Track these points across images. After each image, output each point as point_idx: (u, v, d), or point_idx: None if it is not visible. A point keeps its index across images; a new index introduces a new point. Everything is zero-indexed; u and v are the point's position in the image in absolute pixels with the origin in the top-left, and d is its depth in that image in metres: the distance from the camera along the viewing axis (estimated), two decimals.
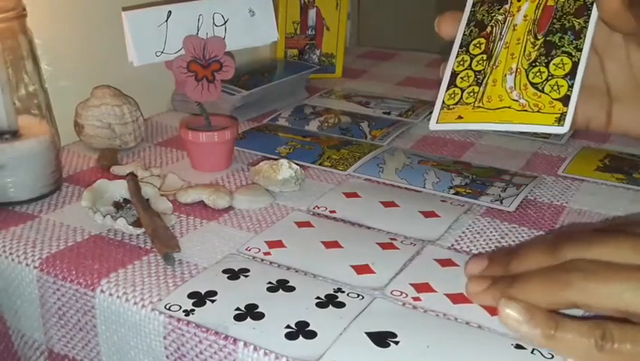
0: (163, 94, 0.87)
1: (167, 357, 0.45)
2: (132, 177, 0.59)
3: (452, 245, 0.54)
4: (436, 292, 0.47)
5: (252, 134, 0.77)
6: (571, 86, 0.40)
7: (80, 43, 0.76)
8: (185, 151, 0.70)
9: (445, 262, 0.51)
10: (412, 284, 0.48)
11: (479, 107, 0.42)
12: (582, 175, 0.67)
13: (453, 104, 0.44)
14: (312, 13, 1.03)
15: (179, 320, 0.44)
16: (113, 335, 0.48)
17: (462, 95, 0.44)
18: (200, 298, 0.46)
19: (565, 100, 0.39)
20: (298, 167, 0.63)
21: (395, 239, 0.54)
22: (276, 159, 0.64)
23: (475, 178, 0.65)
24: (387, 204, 0.60)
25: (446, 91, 0.44)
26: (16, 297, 0.52)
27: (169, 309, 0.45)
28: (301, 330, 0.42)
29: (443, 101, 0.44)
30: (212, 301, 0.45)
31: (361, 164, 0.69)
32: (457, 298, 0.46)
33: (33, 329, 0.53)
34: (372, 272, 0.49)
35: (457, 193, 0.62)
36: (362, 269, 0.49)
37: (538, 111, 0.40)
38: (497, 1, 0.44)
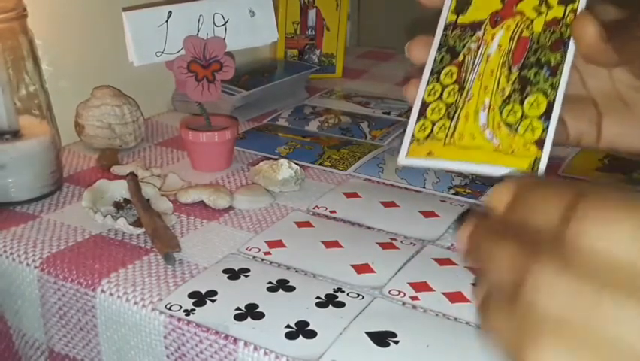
0: (163, 94, 0.87)
1: (167, 357, 0.45)
2: (132, 177, 0.59)
3: (452, 245, 0.54)
4: (433, 291, 0.47)
5: (252, 134, 0.77)
6: (545, 129, 0.38)
7: (80, 43, 0.76)
8: (186, 151, 0.71)
9: (444, 261, 0.51)
10: (410, 283, 0.48)
11: (450, 143, 0.40)
12: (582, 175, 0.67)
13: (423, 138, 0.42)
14: (312, 13, 1.03)
15: (179, 319, 0.44)
16: (114, 335, 0.48)
17: (432, 129, 0.41)
18: (200, 298, 0.46)
19: (539, 143, 0.38)
20: (298, 167, 0.63)
21: (395, 239, 0.54)
22: (276, 159, 0.64)
23: (475, 178, 0.65)
24: (387, 204, 0.60)
25: (416, 122, 0.42)
26: (17, 297, 0.52)
27: (169, 309, 0.45)
28: (301, 330, 0.42)
29: (413, 134, 0.42)
30: (213, 300, 0.45)
31: (361, 164, 0.69)
32: (454, 297, 0.46)
33: (34, 329, 0.53)
34: (373, 271, 0.49)
35: (457, 193, 0.62)
36: (362, 269, 0.50)
37: (511, 153, 0.38)
38: (470, 26, 0.42)
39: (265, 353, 0.41)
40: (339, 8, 1.03)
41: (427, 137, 0.41)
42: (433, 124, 0.42)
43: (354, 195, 0.62)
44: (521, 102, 0.39)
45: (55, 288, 0.50)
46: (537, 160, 0.38)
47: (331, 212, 0.59)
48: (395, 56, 1.17)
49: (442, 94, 0.42)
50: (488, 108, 0.40)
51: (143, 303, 0.46)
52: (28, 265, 0.51)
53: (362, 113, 0.85)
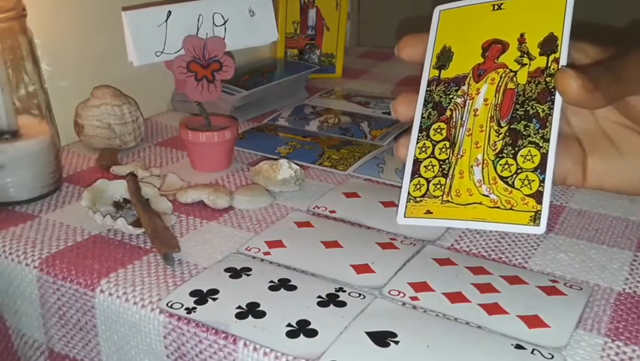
0: (163, 94, 0.87)
1: (167, 356, 0.45)
2: (132, 177, 0.59)
3: (452, 245, 0.54)
4: (433, 291, 0.47)
5: (252, 134, 0.77)
6: (542, 181, 0.38)
7: (80, 43, 0.76)
8: (185, 151, 0.71)
9: (444, 261, 0.51)
10: (410, 283, 0.48)
11: (448, 201, 0.41)
12: None
13: (419, 197, 0.42)
14: (312, 13, 1.03)
15: (179, 318, 0.44)
16: (113, 335, 0.48)
17: (428, 187, 0.42)
18: (202, 296, 0.46)
19: (538, 196, 0.38)
20: (298, 167, 0.63)
21: (395, 239, 0.54)
22: (275, 159, 0.64)
23: None
24: (387, 204, 0.60)
25: (410, 181, 0.43)
26: (16, 297, 0.52)
27: (171, 307, 0.45)
28: (302, 329, 0.42)
29: (409, 193, 0.42)
30: (214, 299, 0.45)
31: (361, 164, 0.69)
32: (454, 297, 0.46)
33: (33, 329, 0.53)
34: (372, 272, 0.49)
35: None
36: (362, 269, 0.49)
37: (511, 208, 0.38)
38: (454, 80, 0.42)
39: (265, 354, 0.41)
40: (339, 8, 1.03)
41: (423, 195, 0.42)
42: (428, 182, 0.42)
43: (354, 195, 0.62)
44: (514, 156, 0.39)
45: (54, 288, 0.50)
46: (537, 213, 0.38)
47: (331, 212, 0.59)
48: (395, 56, 1.17)
49: (433, 151, 0.42)
50: (482, 163, 0.40)
51: (142, 303, 0.46)
52: (27, 265, 0.51)
53: (362, 113, 0.85)
